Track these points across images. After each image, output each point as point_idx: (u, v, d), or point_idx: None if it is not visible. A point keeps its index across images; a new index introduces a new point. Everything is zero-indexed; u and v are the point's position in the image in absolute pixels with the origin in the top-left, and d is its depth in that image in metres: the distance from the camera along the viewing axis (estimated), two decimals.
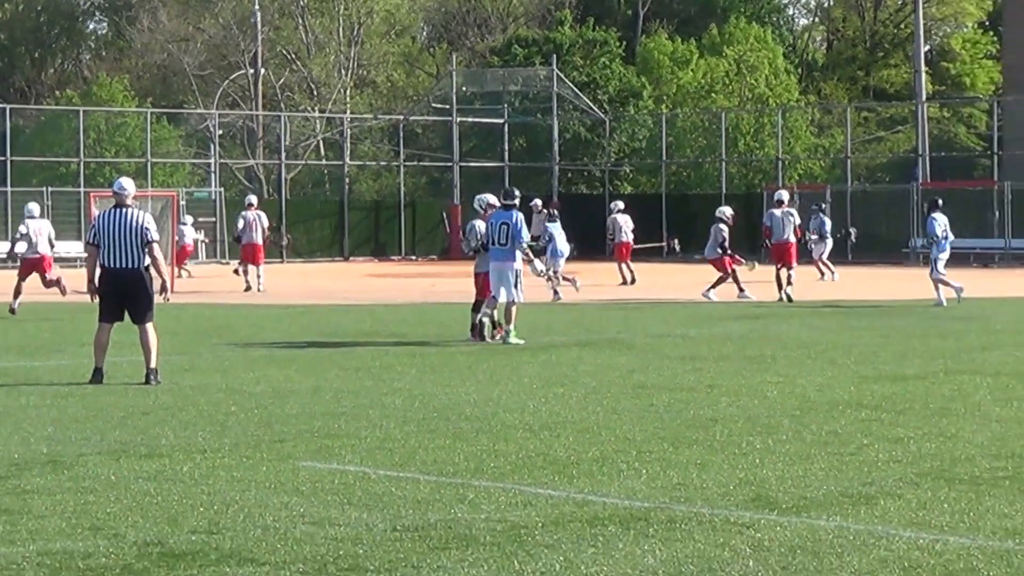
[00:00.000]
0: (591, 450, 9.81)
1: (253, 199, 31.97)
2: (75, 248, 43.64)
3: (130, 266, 13.74)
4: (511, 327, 18.05)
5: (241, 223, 30.53)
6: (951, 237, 25.64)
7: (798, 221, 27.22)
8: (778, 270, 26.44)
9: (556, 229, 28.42)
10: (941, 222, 25.40)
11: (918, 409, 11.85)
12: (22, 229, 25.08)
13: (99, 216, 14.21)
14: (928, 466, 9.15)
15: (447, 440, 10.29)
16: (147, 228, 13.76)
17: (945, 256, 25.27)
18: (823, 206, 35.75)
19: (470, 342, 18.29)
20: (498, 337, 18.27)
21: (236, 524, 7.55)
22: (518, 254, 18.27)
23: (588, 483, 8.66)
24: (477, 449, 9.86)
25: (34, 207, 25.86)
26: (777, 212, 27.09)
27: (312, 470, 9.11)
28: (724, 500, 8.12)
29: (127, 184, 14.14)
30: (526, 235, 18.48)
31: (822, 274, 33.28)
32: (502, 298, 18.15)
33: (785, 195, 28.31)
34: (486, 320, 18.25)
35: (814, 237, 33.54)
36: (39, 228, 24.92)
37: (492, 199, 19.01)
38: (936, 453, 9.64)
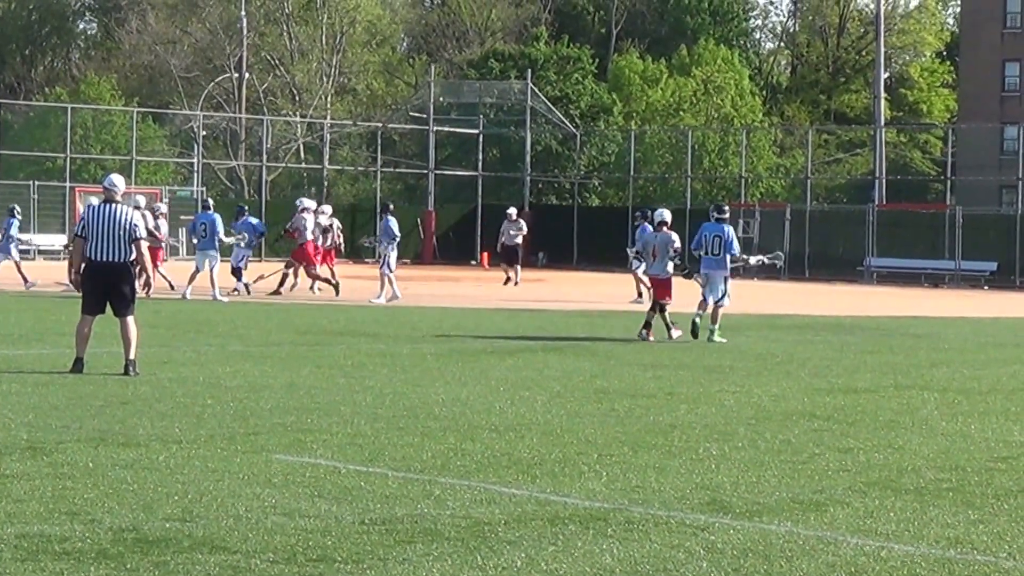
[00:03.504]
0: (554, 452, 9.90)
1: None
2: (59, 241, 43.94)
3: (115, 260, 13.89)
4: (716, 327, 19.69)
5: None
6: (398, 237, 27.71)
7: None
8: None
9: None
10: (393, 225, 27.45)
11: (868, 421, 11.98)
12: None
13: (87, 210, 14.35)
14: (876, 476, 9.27)
15: (415, 438, 10.37)
16: (135, 225, 13.92)
17: (395, 255, 27.40)
18: (648, 213, 32.57)
19: (643, 340, 19.58)
20: (646, 337, 19.75)
21: (209, 513, 7.60)
22: (728, 263, 19.97)
23: (550, 483, 8.74)
24: (444, 447, 9.95)
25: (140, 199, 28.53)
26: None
27: (284, 463, 9.17)
28: (680, 503, 8.20)
29: (118, 181, 14.29)
30: (737, 247, 20.17)
31: (639, 293, 28.87)
32: (711, 301, 19.78)
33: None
34: (698, 320, 19.73)
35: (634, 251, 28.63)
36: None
37: (669, 214, 20.97)
38: (884, 464, 9.77)
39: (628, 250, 29.85)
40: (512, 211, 37.54)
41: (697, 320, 19.74)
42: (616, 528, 7.53)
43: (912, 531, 7.66)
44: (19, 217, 31.17)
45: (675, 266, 20.65)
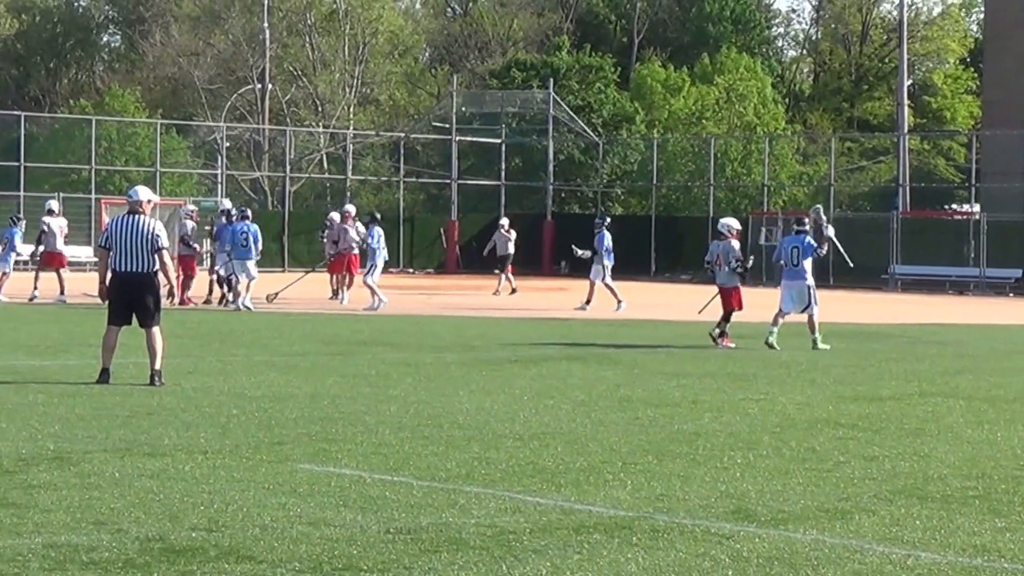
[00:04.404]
0: (578, 460, 9.92)
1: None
2: (85, 252, 44.08)
3: (139, 270, 13.98)
4: (817, 335, 20.43)
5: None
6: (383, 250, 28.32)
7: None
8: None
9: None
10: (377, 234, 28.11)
11: (893, 429, 11.96)
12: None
13: (111, 221, 14.44)
14: (902, 484, 9.26)
15: (440, 447, 10.40)
16: (158, 235, 14.00)
17: (381, 264, 28.02)
18: (607, 220, 31.28)
19: (718, 348, 20.17)
20: (723, 345, 20.32)
21: (235, 522, 7.63)
22: (809, 272, 20.62)
23: (575, 492, 8.75)
24: (469, 456, 9.97)
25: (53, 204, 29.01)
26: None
27: (309, 472, 9.20)
28: (705, 512, 8.20)
29: (140, 192, 14.39)
30: (813, 250, 20.73)
31: (618, 298, 28.94)
32: (795, 311, 20.44)
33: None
34: (773, 333, 20.18)
35: (585, 254, 29.71)
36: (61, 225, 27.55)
37: (736, 223, 21.51)
38: (910, 472, 9.75)
39: (579, 251, 30.38)
40: (504, 221, 38.20)
41: (772, 334, 20.17)
42: (641, 536, 7.52)
43: (939, 539, 7.65)
44: (20, 228, 31.01)
45: (737, 274, 21.02)
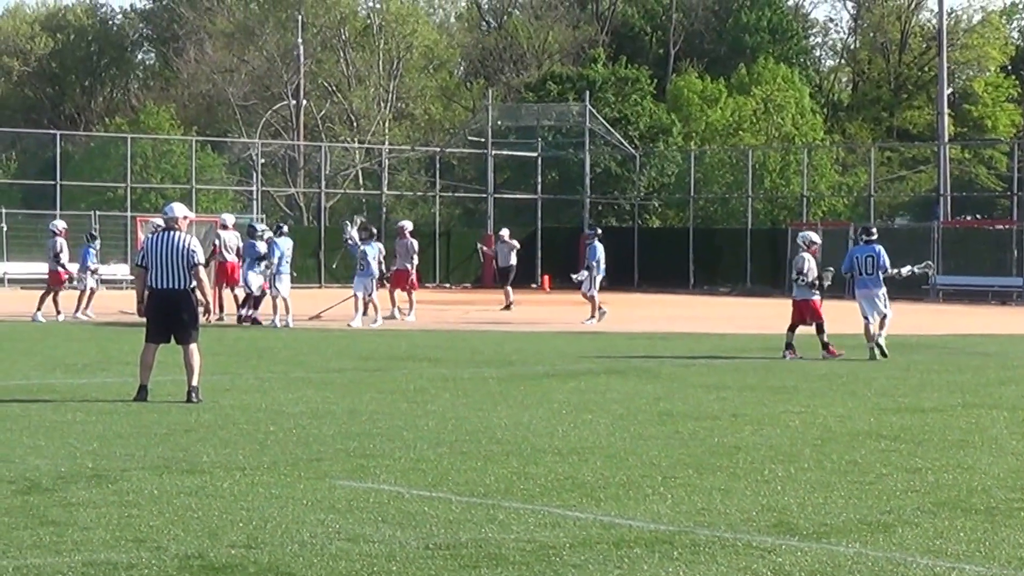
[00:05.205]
0: (618, 475, 9.89)
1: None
2: (121, 270, 44.32)
3: (176, 287, 14.05)
4: (883, 332, 20.60)
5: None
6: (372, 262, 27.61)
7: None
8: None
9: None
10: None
11: (936, 441, 11.90)
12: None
13: (147, 239, 14.53)
14: (945, 496, 9.20)
15: (478, 462, 10.38)
16: (193, 251, 14.08)
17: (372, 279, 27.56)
18: (598, 231, 31.32)
19: (787, 359, 20.38)
20: (789, 357, 20.46)
21: (274, 539, 7.64)
22: (882, 280, 20.87)
23: (615, 506, 8.73)
24: (508, 471, 9.95)
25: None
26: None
27: (348, 489, 9.20)
28: (747, 525, 8.17)
29: (176, 209, 14.45)
30: (888, 264, 20.95)
31: (593, 313, 28.88)
32: (874, 318, 20.64)
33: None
34: (874, 346, 20.49)
35: (581, 275, 29.37)
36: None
37: (814, 236, 21.63)
38: (953, 484, 9.70)
39: (576, 275, 29.83)
40: (505, 232, 37.90)
41: (873, 347, 20.44)
42: (682, 551, 7.50)
43: (983, 551, 7.59)
44: (95, 246, 30.83)
45: (810, 286, 21.10)
